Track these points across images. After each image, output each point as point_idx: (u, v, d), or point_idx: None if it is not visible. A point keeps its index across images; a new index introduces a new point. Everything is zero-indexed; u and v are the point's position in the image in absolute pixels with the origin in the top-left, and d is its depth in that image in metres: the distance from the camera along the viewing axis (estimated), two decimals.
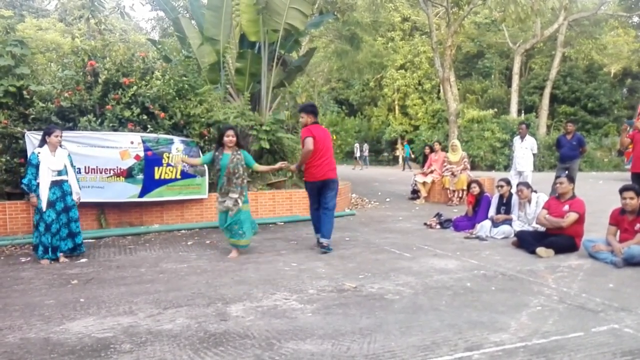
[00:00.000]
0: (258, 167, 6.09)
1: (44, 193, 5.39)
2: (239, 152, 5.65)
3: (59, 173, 5.53)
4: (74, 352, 2.99)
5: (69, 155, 5.73)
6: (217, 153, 5.67)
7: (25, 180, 5.47)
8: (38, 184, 5.41)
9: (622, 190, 5.26)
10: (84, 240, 5.99)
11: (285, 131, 9.79)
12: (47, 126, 6.07)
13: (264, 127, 8.57)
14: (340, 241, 6.51)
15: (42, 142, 5.52)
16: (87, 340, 3.16)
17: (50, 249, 5.46)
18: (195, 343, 3.10)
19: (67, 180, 5.59)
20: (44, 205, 5.39)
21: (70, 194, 5.61)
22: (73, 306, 3.88)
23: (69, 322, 3.51)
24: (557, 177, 7.01)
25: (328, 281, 4.52)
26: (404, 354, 2.89)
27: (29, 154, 6.32)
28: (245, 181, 5.68)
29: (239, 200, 5.58)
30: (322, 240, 5.88)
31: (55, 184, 5.47)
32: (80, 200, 5.85)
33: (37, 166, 5.41)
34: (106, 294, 4.20)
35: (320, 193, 5.98)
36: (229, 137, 5.57)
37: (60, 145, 5.64)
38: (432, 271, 4.85)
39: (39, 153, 5.44)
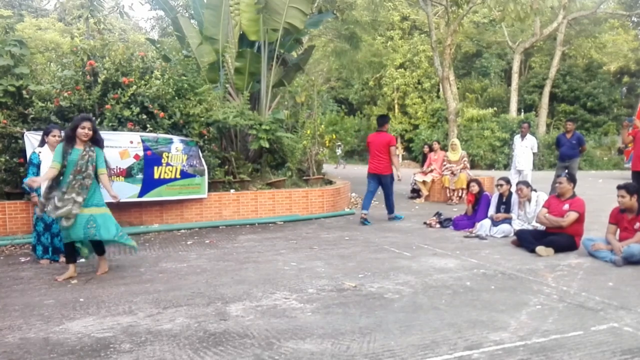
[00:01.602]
0: (102, 177, 4.95)
1: None
2: (92, 149, 4.81)
3: None
4: (74, 351, 2.99)
5: None
6: (67, 147, 4.70)
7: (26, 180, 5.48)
8: None
9: (617, 188, 5.32)
10: None
11: (285, 130, 9.79)
12: (46, 126, 6.06)
13: (263, 127, 8.56)
14: (339, 240, 6.52)
15: (42, 142, 5.53)
16: (87, 340, 3.16)
17: (51, 250, 5.46)
18: (194, 343, 3.10)
19: None
20: None
21: None
22: (73, 306, 3.88)
23: (68, 322, 3.51)
24: (557, 175, 7.02)
25: (328, 280, 4.52)
26: (403, 353, 2.89)
27: (28, 154, 6.33)
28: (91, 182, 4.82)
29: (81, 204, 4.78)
30: (388, 215, 8.14)
31: None
32: None
33: (38, 166, 5.40)
34: (106, 294, 4.20)
35: (379, 184, 7.97)
36: (85, 130, 4.69)
37: None
38: (431, 270, 4.85)
39: (39, 153, 5.45)
